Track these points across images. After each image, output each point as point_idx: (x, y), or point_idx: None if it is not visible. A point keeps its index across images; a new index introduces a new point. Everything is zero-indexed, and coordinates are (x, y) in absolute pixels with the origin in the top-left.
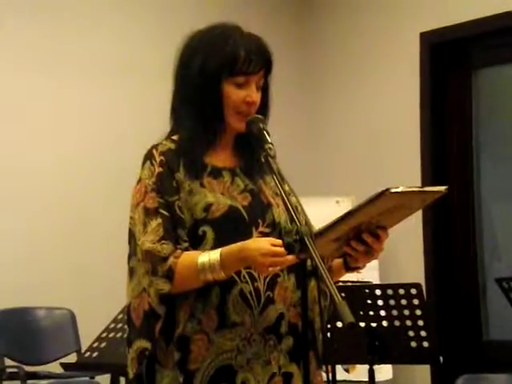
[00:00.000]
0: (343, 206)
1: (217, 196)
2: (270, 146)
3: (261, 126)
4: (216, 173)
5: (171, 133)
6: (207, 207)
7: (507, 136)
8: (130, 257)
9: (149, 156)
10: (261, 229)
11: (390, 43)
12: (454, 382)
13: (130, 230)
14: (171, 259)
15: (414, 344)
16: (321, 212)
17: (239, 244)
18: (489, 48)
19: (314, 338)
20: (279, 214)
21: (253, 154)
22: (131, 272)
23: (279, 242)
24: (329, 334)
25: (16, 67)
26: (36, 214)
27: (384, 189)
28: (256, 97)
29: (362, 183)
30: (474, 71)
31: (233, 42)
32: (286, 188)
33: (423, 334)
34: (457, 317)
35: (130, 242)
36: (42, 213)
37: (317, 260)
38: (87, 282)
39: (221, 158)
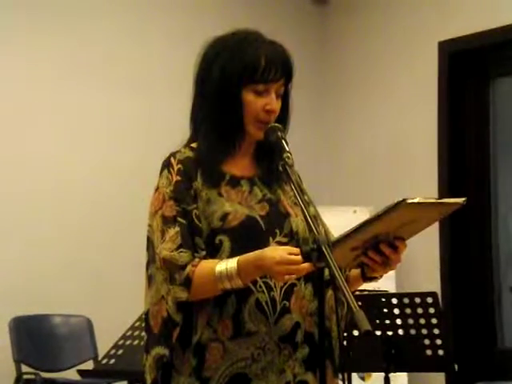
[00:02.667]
0: (360, 216)
1: (234, 205)
2: (289, 155)
3: (279, 134)
4: (234, 182)
5: (190, 140)
6: (224, 216)
7: None
8: (148, 264)
9: (167, 164)
10: (278, 238)
11: (409, 52)
12: None
13: (148, 237)
14: (189, 267)
15: (429, 352)
16: (338, 221)
17: (256, 252)
18: (507, 57)
19: (330, 347)
20: (297, 223)
21: (272, 162)
22: (150, 279)
23: (296, 250)
24: (345, 343)
25: (38, 74)
26: (53, 221)
27: (401, 199)
28: (275, 105)
29: (379, 193)
30: (491, 80)
31: (253, 49)
32: (305, 197)
33: (438, 342)
34: (472, 325)
35: (148, 250)
36: (59, 220)
37: (334, 269)
38: (104, 289)
39: (239, 166)
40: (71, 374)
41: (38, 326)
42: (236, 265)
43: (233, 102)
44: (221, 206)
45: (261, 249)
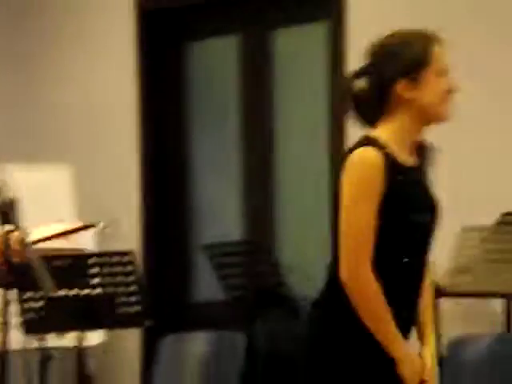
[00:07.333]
0: (60, 173)
1: None
2: None
3: None
4: None
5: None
6: None
7: (218, 108)
8: None
9: None
10: None
11: (104, 8)
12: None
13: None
14: None
15: (125, 309)
16: (37, 179)
17: None
18: (202, 19)
19: None
20: None
21: None
22: None
23: None
24: (42, 303)
25: None
26: None
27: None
28: None
29: (79, 152)
30: (188, 42)
31: None
32: None
33: (134, 299)
34: (169, 282)
35: None
36: None
37: None
38: None
39: None
40: None
41: None
42: None
43: None
44: None
45: None
